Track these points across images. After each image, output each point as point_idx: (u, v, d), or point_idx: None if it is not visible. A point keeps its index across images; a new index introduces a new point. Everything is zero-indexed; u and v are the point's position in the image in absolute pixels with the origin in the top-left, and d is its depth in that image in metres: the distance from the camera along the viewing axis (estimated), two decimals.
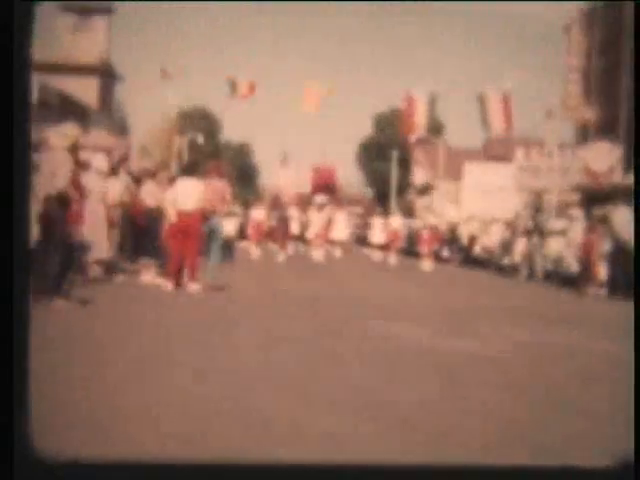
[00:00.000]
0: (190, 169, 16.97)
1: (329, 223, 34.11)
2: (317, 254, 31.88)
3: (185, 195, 15.09)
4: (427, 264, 29.71)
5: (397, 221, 35.70)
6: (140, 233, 16.43)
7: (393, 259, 32.48)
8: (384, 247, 34.65)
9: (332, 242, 34.61)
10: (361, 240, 45.16)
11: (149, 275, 15.79)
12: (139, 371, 6.90)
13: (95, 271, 15.14)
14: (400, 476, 3.90)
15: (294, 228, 35.26)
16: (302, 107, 36.41)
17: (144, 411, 5.45)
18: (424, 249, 30.74)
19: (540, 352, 9.76)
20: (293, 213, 35.25)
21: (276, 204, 36.53)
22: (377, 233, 36.38)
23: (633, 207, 13.28)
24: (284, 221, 32.76)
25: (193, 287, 14.66)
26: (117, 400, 5.75)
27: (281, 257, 29.76)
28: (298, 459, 4.55)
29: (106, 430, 4.86)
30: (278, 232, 32.49)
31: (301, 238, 37.57)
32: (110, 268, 15.71)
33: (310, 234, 34.40)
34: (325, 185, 58.11)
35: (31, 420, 3.60)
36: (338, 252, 34.42)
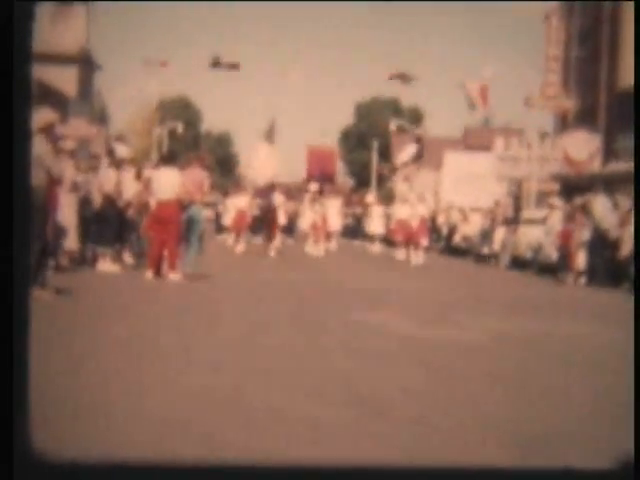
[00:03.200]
0: (168, 159, 16.89)
1: (325, 214, 30.41)
2: (316, 249, 28.57)
3: (163, 184, 15.10)
4: (417, 256, 26.71)
5: (406, 211, 29.44)
6: (100, 222, 16.21)
7: (420, 257, 27.28)
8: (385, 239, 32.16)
9: (327, 234, 31.20)
10: (349, 231, 43.02)
11: (106, 264, 15.74)
12: (127, 362, 6.92)
13: (64, 261, 15.06)
14: (393, 476, 3.92)
15: (282, 219, 30.49)
16: (288, 87, 36.62)
17: (141, 405, 5.48)
18: (414, 240, 27.27)
19: (521, 340, 9.81)
20: (280, 201, 29.61)
21: (261, 191, 32.36)
22: (376, 223, 33.61)
23: (633, 197, 13.31)
24: (271, 210, 27.60)
25: (173, 276, 14.67)
26: (108, 393, 5.78)
27: (270, 252, 25.79)
28: (280, 447, 4.58)
29: (101, 427, 4.88)
30: (264, 223, 28.21)
31: (290, 230, 34.77)
32: (77, 258, 15.63)
33: (305, 226, 31.37)
34: (323, 171, 49.69)
35: (31, 420, 3.60)
36: (334, 245, 31.74)
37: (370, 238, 34.36)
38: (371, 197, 39.55)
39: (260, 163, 34.28)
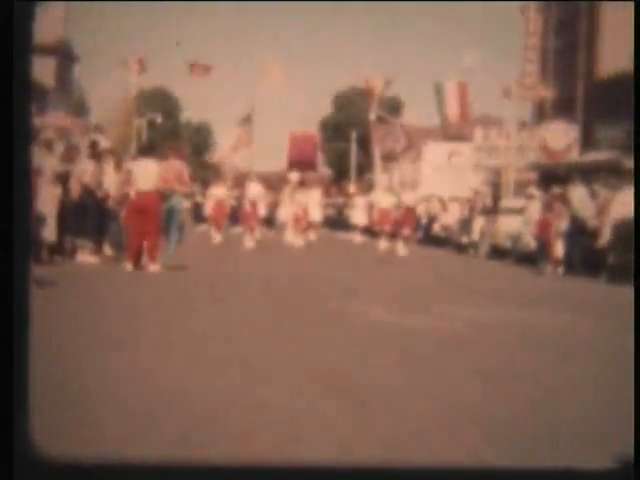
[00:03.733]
0: (147, 150, 16.85)
1: (306, 205, 29.67)
2: (296, 239, 27.81)
3: (142, 175, 15.10)
4: (402, 247, 26.15)
5: (388, 199, 29.88)
6: (80, 213, 16.14)
7: (387, 245, 27.83)
8: (367, 230, 31.58)
9: (308, 225, 30.56)
10: (330, 222, 41.66)
11: (85, 255, 15.75)
12: (112, 355, 6.97)
13: (43, 252, 15.02)
14: (386, 475, 3.98)
15: (261, 210, 30.20)
16: (267, 78, 36.59)
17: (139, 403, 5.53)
18: (401, 231, 26.77)
19: (500, 329, 9.90)
20: (258, 191, 29.11)
21: (239, 181, 32.10)
22: (359, 213, 32.89)
23: (633, 192, 13.34)
24: (249, 201, 27.31)
25: (153, 267, 14.69)
26: (99, 390, 5.82)
27: (248, 243, 25.21)
28: (261, 439, 4.64)
29: (100, 426, 4.93)
30: (243, 213, 27.84)
31: (269, 221, 34.18)
32: (56, 249, 15.59)
33: (285, 216, 30.50)
34: (304, 159, 47.22)
35: (31, 420, 3.63)
36: (313, 235, 30.70)
37: (352, 229, 33.85)
38: (353, 187, 39.27)
39: (233, 145, 33.77)
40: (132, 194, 15.18)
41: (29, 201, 3.82)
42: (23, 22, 3.59)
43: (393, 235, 27.85)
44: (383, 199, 30.00)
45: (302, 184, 31.17)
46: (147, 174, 15.08)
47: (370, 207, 31.79)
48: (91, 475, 3.68)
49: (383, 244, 27.85)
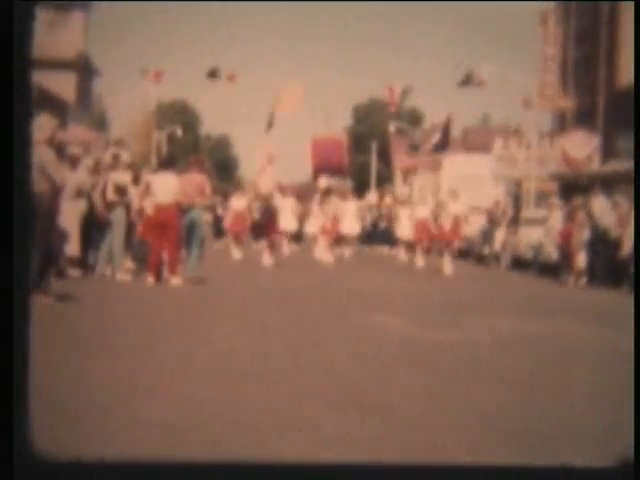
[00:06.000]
0: (167, 163, 16.82)
1: (336, 215, 26.79)
2: (325, 255, 25.01)
3: (162, 189, 15.10)
4: (449, 264, 22.42)
5: (426, 210, 26.42)
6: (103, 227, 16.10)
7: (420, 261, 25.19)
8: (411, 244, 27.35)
9: (340, 238, 27.83)
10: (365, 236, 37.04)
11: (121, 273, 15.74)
12: (128, 365, 6.97)
13: (66, 267, 15.04)
14: (392, 474, 3.96)
15: (290, 222, 27.97)
16: (282, 107, 36.29)
17: (140, 406, 5.52)
18: (448, 245, 23.15)
19: (524, 341, 9.85)
20: (286, 203, 26.67)
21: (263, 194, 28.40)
22: (404, 226, 28.43)
23: (633, 197, 13.33)
24: (270, 213, 23.73)
25: (174, 281, 14.69)
26: (108, 394, 5.82)
27: (266, 260, 22.29)
28: (282, 449, 4.62)
29: (101, 427, 4.93)
30: (263, 227, 23.95)
31: (298, 236, 31.36)
32: (79, 264, 15.60)
33: (313, 228, 27.90)
34: (331, 163, 42.33)
35: (31, 420, 3.63)
36: (348, 251, 28.09)
37: (394, 243, 30.66)
38: (390, 197, 36.75)
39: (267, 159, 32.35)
40: (150, 208, 15.15)
41: (29, 206, 3.83)
42: (23, 22, 3.59)
43: (428, 249, 25.93)
44: (421, 210, 26.63)
45: (330, 192, 28.51)
46: (167, 187, 15.08)
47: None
48: (91, 475, 3.68)
49: (420, 261, 25.06)
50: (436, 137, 41.62)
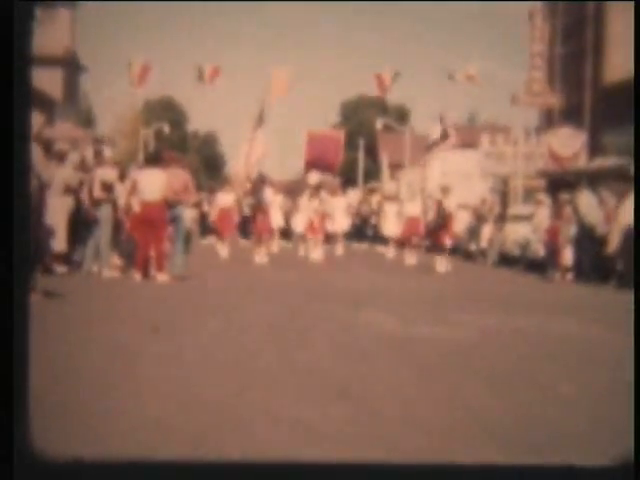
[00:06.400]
0: (153, 159, 16.69)
1: (325, 212, 25.76)
2: (314, 253, 24.16)
3: (149, 185, 15.07)
4: (442, 262, 22.08)
5: (416, 206, 25.77)
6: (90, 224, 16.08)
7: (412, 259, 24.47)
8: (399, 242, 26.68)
9: (329, 236, 27.06)
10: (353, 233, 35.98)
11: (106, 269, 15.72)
12: (126, 365, 6.97)
13: (52, 263, 15.00)
14: (378, 473, 3.97)
15: (278, 219, 27.48)
16: (271, 92, 36.23)
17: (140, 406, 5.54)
18: (440, 242, 22.58)
19: (512, 337, 9.89)
20: (275, 199, 25.55)
21: (251, 188, 27.66)
22: (391, 223, 28.00)
23: (633, 198, 13.39)
24: (262, 209, 23.20)
25: (161, 278, 14.69)
26: (107, 394, 5.83)
27: (258, 258, 21.97)
28: (271, 447, 4.64)
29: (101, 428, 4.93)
30: (254, 224, 23.46)
31: (286, 234, 30.72)
32: (65, 260, 15.57)
33: (301, 226, 26.95)
34: (325, 159, 40.10)
35: (31, 420, 3.63)
36: (340, 249, 27.51)
37: (382, 241, 29.90)
38: (379, 194, 36.16)
39: (249, 151, 31.41)
40: (137, 204, 15.11)
41: (28, 204, 3.84)
42: (23, 22, 3.60)
43: (417, 246, 25.06)
44: (411, 206, 25.81)
45: (320, 188, 26.99)
46: (153, 184, 15.06)
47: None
48: (91, 475, 3.69)
49: (410, 259, 24.42)
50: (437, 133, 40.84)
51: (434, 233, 23.24)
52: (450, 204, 22.70)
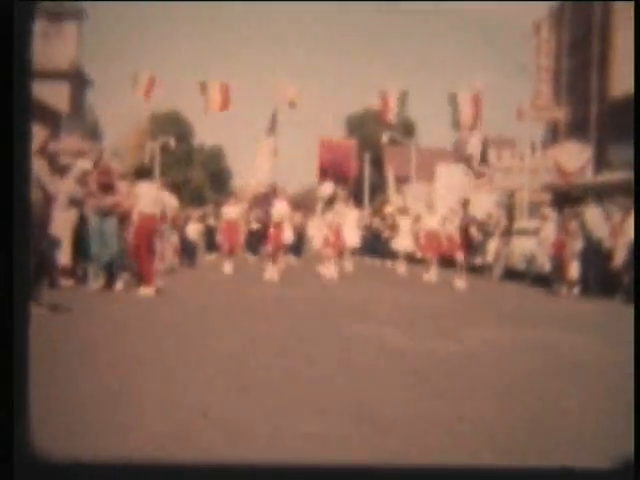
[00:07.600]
0: (144, 173, 16.57)
1: (339, 226, 24.04)
2: (328, 270, 22.44)
3: (145, 198, 15.15)
4: (460, 278, 21.41)
5: (435, 220, 24.30)
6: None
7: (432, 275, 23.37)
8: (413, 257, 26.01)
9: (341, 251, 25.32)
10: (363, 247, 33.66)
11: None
12: (131, 374, 6.95)
13: (58, 277, 14.99)
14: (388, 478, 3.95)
15: (288, 234, 23.73)
16: (278, 105, 36.27)
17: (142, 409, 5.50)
18: (457, 257, 21.97)
19: (518, 351, 9.86)
20: (284, 211, 22.56)
21: (260, 200, 26.62)
22: (403, 238, 27.21)
23: (633, 208, 13.40)
24: (276, 223, 21.69)
25: (144, 291, 14.62)
26: (107, 397, 5.80)
27: (268, 274, 20.62)
28: (271, 457, 4.60)
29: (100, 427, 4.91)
30: (267, 238, 22.06)
31: (297, 248, 29.28)
32: (70, 275, 15.56)
33: (316, 241, 25.92)
34: (338, 167, 38.30)
35: (31, 420, 3.62)
36: (349, 264, 26.04)
37: (392, 256, 28.82)
38: (390, 207, 35.93)
39: (261, 161, 30.93)
40: (136, 217, 15.14)
41: (29, 214, 3.83)
42: (23, 22, 3.59)
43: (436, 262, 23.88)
44: (429, 220, 24.38)
45: (334, 200, 25.06)
46: (149, 197, 15.21)
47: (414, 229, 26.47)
48: (91, 475, 3.68)
49: (430, 275, 23.34)
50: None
51: (453, 248, 22.44)
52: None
